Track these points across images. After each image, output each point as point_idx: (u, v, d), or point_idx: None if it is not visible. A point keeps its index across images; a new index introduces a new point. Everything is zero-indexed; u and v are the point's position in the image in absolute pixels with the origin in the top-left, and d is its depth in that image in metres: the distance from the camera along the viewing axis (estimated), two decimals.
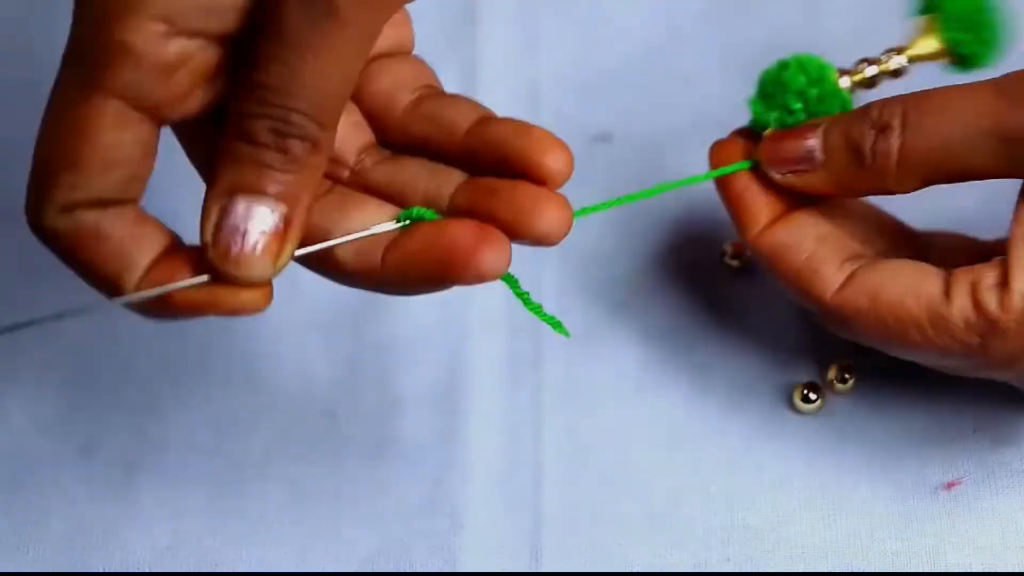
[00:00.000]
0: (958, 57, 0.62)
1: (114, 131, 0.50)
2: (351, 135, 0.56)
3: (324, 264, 0.53)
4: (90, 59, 0.50)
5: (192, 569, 0.60)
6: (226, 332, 0.66)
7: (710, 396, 0.63)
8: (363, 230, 0.52)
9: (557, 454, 0.62)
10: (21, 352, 0.66)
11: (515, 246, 0.67)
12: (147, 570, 0.60)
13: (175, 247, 0.52)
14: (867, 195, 0.58)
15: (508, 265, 0.52)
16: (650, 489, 0.61)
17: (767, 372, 0.64)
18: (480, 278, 0.51)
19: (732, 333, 0.65)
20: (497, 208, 0.52)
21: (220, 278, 0.50)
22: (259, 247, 0.50)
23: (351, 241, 0.52)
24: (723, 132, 0.68)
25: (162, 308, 0.51)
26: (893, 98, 0.56)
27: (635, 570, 0.60)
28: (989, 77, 0.55)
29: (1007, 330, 0.54)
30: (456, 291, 0.66)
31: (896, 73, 0.62)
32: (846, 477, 0.61)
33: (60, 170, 0.50)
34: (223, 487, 0.62)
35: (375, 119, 0.57)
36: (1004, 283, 0.54)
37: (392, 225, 0.53)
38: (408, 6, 0.55)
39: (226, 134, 0.50)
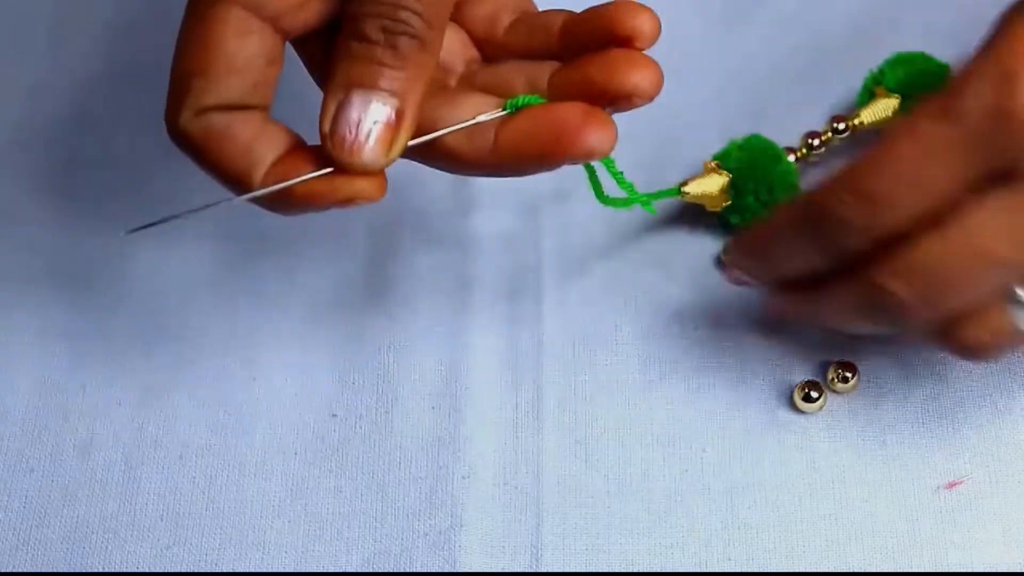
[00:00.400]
0: None
1: (237, 39, 0.54)
2: (458, 50, 0.60)
3: (438, 155, 0.57)
4: None
5: (192, 569, 0.60)
6: (226, 331, 0.66)
7: (710, 395, 0.63)
8: (472, 119, 0.56)
9: (557, 454, 0.62)
10: (21, 351, 0.66)
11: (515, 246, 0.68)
12: (147, 570, 0.60)
13: (298, 146, 0.56)
14: None
15: (614, 143, 0.55)
16: (650, 489, 0.61)
17: (767, 371, 0.64)
18: (588, 155, 0.55)
19: (732, 333, 0.65)
20: (591, 75, 0.56)
21: (338, 169, 0.54)
22: (372, 137, 0.54)
23: (462, 129, 0.56)
24: (722, 135, 0.68)
25: (286, 200, 0.55)
26: None
27: (635, 570, 0.60)
28: None
29: None
30: (455, 291, 0.66)
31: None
32: (847, 477, 0.61)
33: (191, 77, 0.55)
34: (223, 487, 0.62)
35: (479, 40, 0.60)
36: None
37: (500, 113, 0.56)
38: None
39: (342, 35, 0.55)
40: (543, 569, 0.60)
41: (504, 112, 0.56)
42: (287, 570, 0.60)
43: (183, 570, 0.60)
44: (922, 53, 0.68)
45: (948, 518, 0.60)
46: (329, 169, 0.54)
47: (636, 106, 0.56)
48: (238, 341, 0.65)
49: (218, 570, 0.60)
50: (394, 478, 0.62)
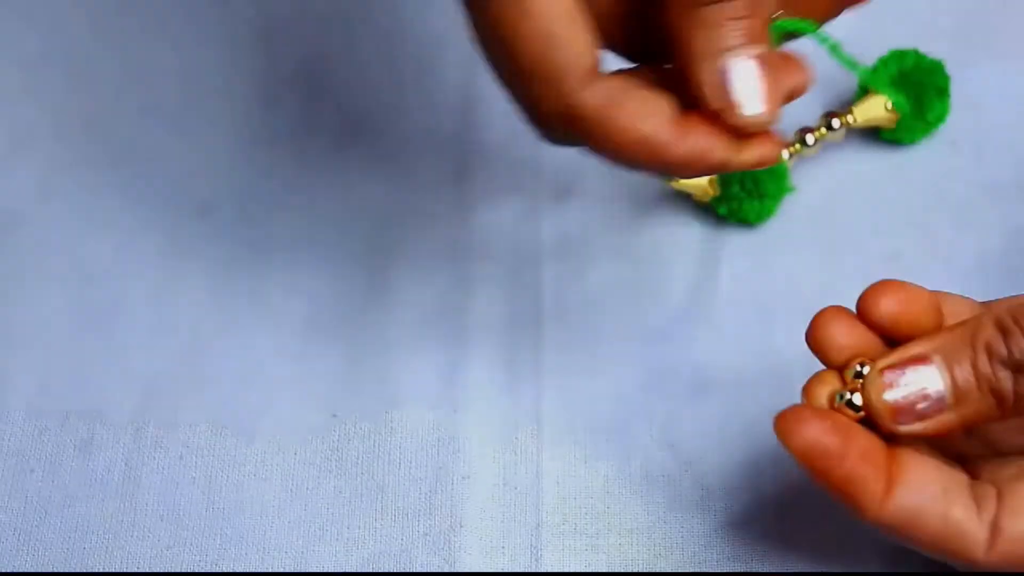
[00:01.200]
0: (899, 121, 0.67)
1: None
2: None
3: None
4: None
5: (192, 569, 0.60)
6: (226, 332, 0.66)
7: (710, 395, 0.63)
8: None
9: (557, 454, 0.62)
10: (21, 352, 0.66)
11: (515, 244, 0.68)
12: (147, 570, 0.60)
13: (682, 110, 0.53)
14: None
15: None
16: (649, 489, 0.61)
17: (768, 372, 0.64)
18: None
19: (732, 333, 0.65)
20: None
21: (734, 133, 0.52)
22: (760, 92, 0.52)
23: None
24: None
25: (694, 163, 0.53)
26: (1006, 325, 0.52)
27: (635, 570, 0.60)
28: None
29: None
30: (455, 291, 0.66)
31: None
32: None
33: (562, 46, 0.51)
34: (223, 487, 0.62)
35: None
36: None
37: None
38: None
39: (683, 6, 0.52)
40: (543, 569, 0.60)
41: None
42: (287, 570, 0.60)
43: (183, 570, 0.60)
44: (915, 51, 0.68)
45: None
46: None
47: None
48: (238, 341, 0.65)
49: (218, 570, 0.60)
50: (394, 478, 0.62)
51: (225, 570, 0.60)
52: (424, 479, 0.62)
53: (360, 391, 0.64)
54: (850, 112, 0.68)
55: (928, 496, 0.53)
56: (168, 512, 0.62)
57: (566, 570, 0.60)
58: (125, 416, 0.64)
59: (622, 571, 0.60)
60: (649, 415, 0.63)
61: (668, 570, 0.60)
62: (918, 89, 0.67)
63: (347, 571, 0.60)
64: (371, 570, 0.60)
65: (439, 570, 0.60)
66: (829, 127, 0.67)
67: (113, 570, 0.60)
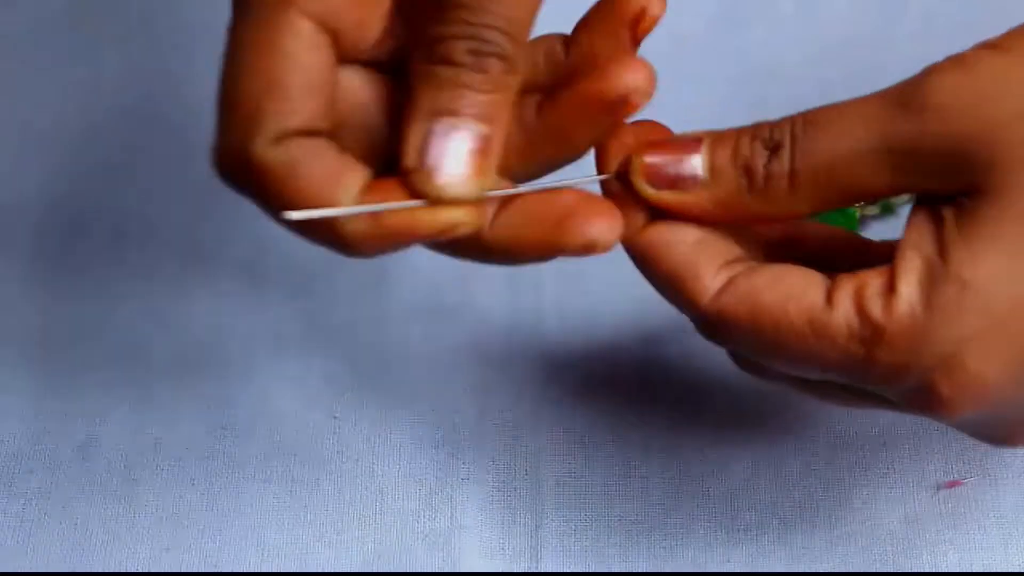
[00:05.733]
0: None
1: (311, 52, 0.49)
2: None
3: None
4: None
5: (192, 569, 0.60)
6: (226, 334, 0.66)
7: (710, 396, 0.63)
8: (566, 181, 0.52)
9: (556, 455, 0.62)
10: (22, 351, 0.66)
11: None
12: (148, 569, 0.60)
13: (380, 177, 0.50)
14: (748, 222, 0.54)
15: (619, 234, 0.51)
16: (649, 490, 0.61)
17: None
18: (589, 247, 0.51)
19: None
20: (581, 90, 0.52)
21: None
22: (464, 167, 0.49)
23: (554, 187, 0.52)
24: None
25: (378, 234, 0.50)
26: (783, 118, 0.52)
27: (635, 570, 0.60)
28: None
29: (893, 337, 0.49)
30: (454, 292, 0.66)
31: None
32: (846, 477, 0.61)
33: (263, 98, 0.49)
34: (223, 487, 0.62)
35: None
36: (890, 289, 0.50)
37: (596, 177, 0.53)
38: None
39: (420, 60, 0.50)
40: (543, 570, 0.60)
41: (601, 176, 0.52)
42: (287, 570, 0.60)
43: (183, 570, 0.60)
44: None
45: (948, 519, 0.60)
46: (421, 201, 0.49)
47: (634, 110, 0.52)
48: (238, 343, 0.65)
49: (218, 570, 0.60)
50: (394, 479, 0.62)
51: (225, 569, 0.60)
52: (424, 480, 0.62)
53: (360, 391, 0.64)
54: None
55: (678, 236, 0.52)
56: (168, 513, 0.62)
57: (565, 571, 0.60)
58: (125, 418, 0.64)
59: (622, 571, 0.60)
60: (649, 417, 0.63)
61: (668, 570, 0.60)
62: None
63: (347, 571, 0.60)
64: (371, 570, 0.60)
65: (439, 570, 0.60)
66: None
67: (113, 570, 0.60)
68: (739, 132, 0.53)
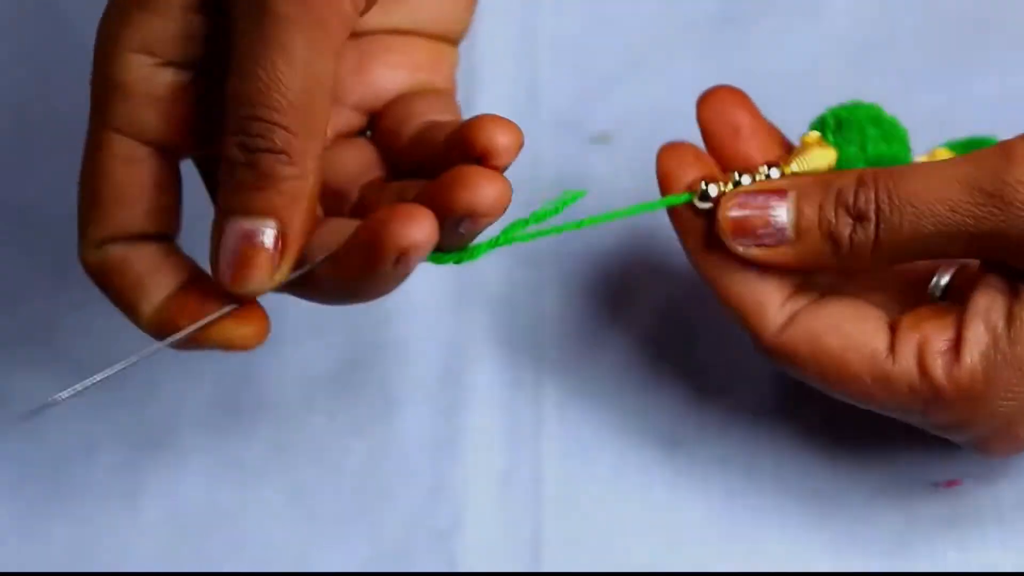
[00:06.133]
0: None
1: (124, 166, 0.53)
2: (356, 172, 0.57)
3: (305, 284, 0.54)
4: (95, 99, 0.53)
5: (192, 569, 0.60)
6: None
7: (710, 395, 0.63)
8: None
9: (557, 454, 0.62)
10: (21, 352, 0.65)
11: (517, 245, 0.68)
12: (147, 570, 0.60)
13: (195, 279, 0.53)
14: (827, 272, 0.57)
15: (434, 239, 0.50)
16: (650, 489, 0.61)
17: (767, 371, 0.64)
18: (408, 249, 0.50)
19: (732, 332, 0.65)
20: (437, 191, 0.52)
21: (230, 297, 0.52)
22: (253, 263, 0.51)
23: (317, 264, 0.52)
24: None
25: (184, 342, 0.53)
26: (865, 179, 0.54)
27: (635, 570, 0.60)
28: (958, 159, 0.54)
29: (952, 402, 0.53)
30: (455, 291, 0.66)
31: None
32: (845, 476, 0.61)
33: (87, 208, 0.53)
34: (223, 487, 0.62)
35: (387, 153, 0.58)
36: (955, 354, 0.53)
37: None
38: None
39: (221, 160, 0.52)
40: (543, 569, 0.60)
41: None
42: (287, 570, 0.60)
43: (183, 570, 0.60)
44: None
45: (947, 518, 0.60)
46: (201, 323, 0.52)
47: (483, 224, 0.53)
48: None
49: (218, 570, 0.60)
50: (394, 478, 0.62)
51: (226, 570, 0.60)
52: (424, 479, 0.62)
53: (361, 391, 0.64)
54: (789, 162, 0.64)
55: (743, 263, 0.55)
56: (169, 512, 0.62)
57: (566, 570, 0.60)
58: (126, 416, 0.64)
59: (622, 571, 0.60)
60: (649, 416, 0.63)
61: (668, 570, 0.60)
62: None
63: (347, 571, 0.60)
64: (371, 570, 0.60)
65: (439, 570, 0.60)
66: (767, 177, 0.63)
67: (113, 570, 0.60)
68: (824, 191, 0.55)
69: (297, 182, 0.51)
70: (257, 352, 0.65)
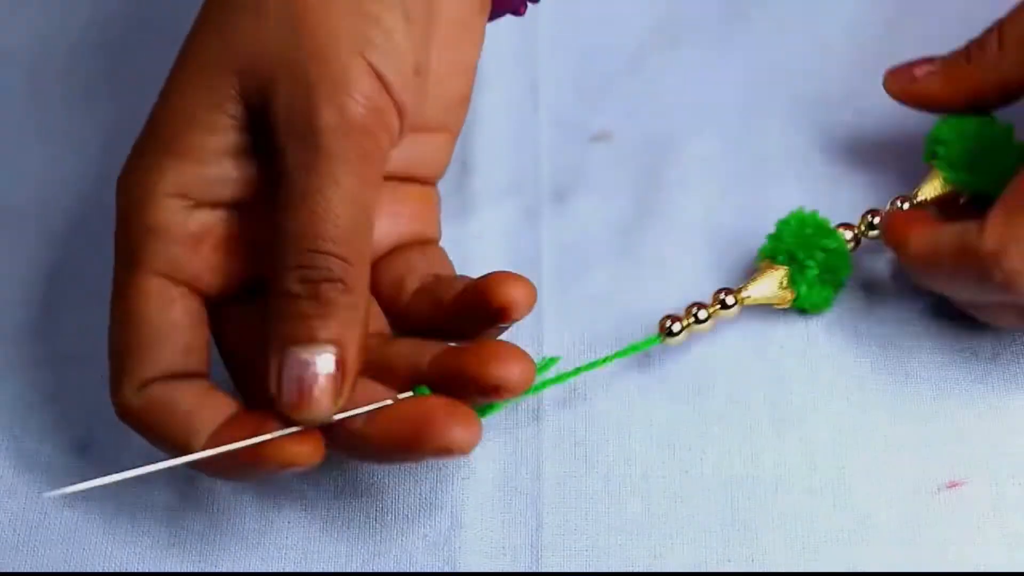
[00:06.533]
0: (967, 196, 0.64)
1: (159, 308, 0.56)
2: None
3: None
4: (126, 244, 0.56)
5: (192, 569, 0.60)
6: None
7: (710, 395, 0.63)
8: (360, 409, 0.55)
9: (557, 454, 0.62)
10: (20, 350, 0.65)
11: (515, 245, 0.68)
12: (148, 569, 0.60)
13: (241, 413, 0.56)
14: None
15: (477, 440, 0.54)
16: (650, 489, 0.61)
17: (768, 372, 0.64)
18: (448, 451, 0.54)
19: (732, 331, 0.65)
20: (464, 365, 0.56)
21: (293, 424, 0.54)
22: (317, 390, 0.54)
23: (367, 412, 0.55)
24: (722, 134, 0.69)
25: (228, 467, 0.55)
26: None
27: (635, 571, 0.60)
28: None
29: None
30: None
31: None
32: (847, 476, 0.61)
33: (123, 353, 0.56)
34: (223, 486, 0.62)
35: (388, 306, 0.60)
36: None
37: (384, 403, 0.56)
38: None
39: (270, 295, 0.54)
40: (543, 570, 0.60)
41: (404, 396, 0.56)
42: (287, 570, 0.60)
43: (183, 570, 0.60)
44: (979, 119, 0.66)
45: (948, 518, 0.60)
46: (262, 437, 0.54)
47: (505, 398, 0.56)
48: None
49: (218, 570, 0.60)
50: (394, 478, 0.62)
51: (225, 569, 0.60)
52: (424, 480, 0.62)
53: None
54: (917, 194, 0.65)
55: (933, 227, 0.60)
56: (168, 510, 0.62)
57: (566, 570, 0.60)
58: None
59: (622, 571, 0.60)
60: (649, 415, 0.63)
61: (668, 570, 0.60)
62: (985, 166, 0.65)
63: (347, 571, 0.60)
64: (371, 570, 0.60)
65: (439, 570, 0.60)
66: (723, 304, 0.64)
67: (113, 569, 0.60)
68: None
69: (354, 310, 0.54)
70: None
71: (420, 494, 0.62)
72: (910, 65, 0.65)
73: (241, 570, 0.60)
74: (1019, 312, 0.60)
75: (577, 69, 0.73)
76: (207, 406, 0.56)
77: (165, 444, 0.56)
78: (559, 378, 0.61)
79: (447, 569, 0.60)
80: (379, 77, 0.56)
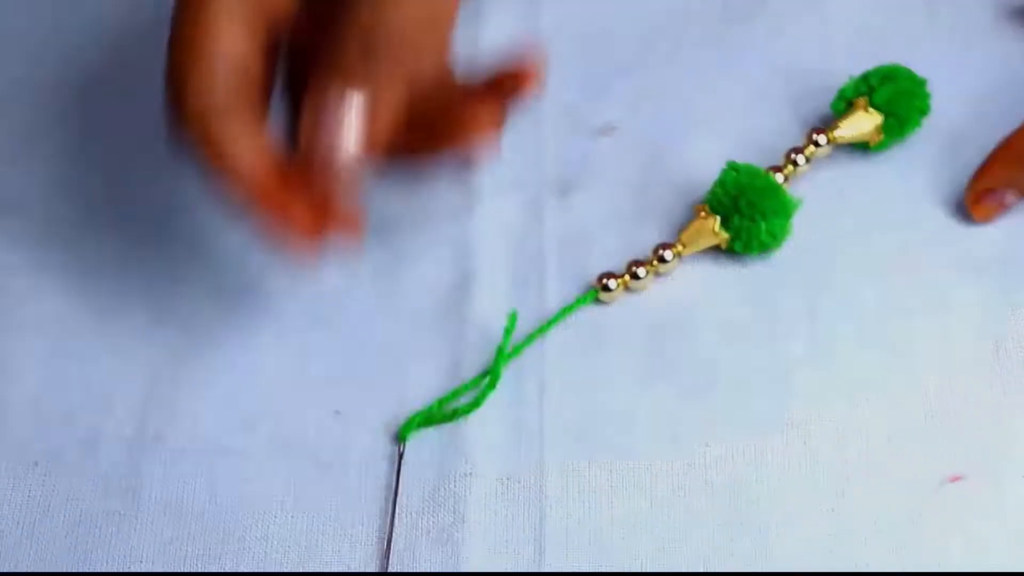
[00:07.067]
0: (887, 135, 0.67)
1: (230, 30, 0.56)
2: None
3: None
4: None
5: (194, 568, 0.60)
6: (229, 329, 0.66)
7: (711, 391, 0.63)
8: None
9: (559, 450, 0.62)
10: (26, 346, 0.66)
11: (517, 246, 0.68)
12: (149, 568, 0.60)
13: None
14: None
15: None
16: (653, 485, 0.61)
17: (771, 366, 0.64)
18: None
19: (733, 328, 0.65)
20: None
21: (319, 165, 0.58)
22: (353, 132, 0.57)
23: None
24: (725, 126, 0.69)
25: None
26: None
27: (638, 567, 0.60)
28: None
29: None
30: (457, 287, 0.66)
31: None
32: (848, 473, 0.61)
33: (187, 76, 0.56)
34: (226, 482, 0.62)
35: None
36: None
37: None
38: None
39: (323, 51, 0.57)
40: (546, 566, 0.60)
41: None
42: (290, 567, 0.60)
43: (185, 567, 0.60)
44: (904, 68, 0.68)
45: (950, 515, 0.60)
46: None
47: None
48: (242, 338, 0.65)
49: (220, 567, 0.60)
50: (395, 476, 0.62)
51: (226, 567, 0.60)
52: (427, 476, 0.62)
53: (363, 388, 0.64)
54: (835, 127, 0.68)
55: None
56: (171, 507, 0.62)
57: (569, 567, 0.60)
58: (129, 411, 0.64)
59: (622, 571, 0.60)
60: (652, 410, 0.63)
61: (671, 567, 0.60)
62: (907, 109, 0.68)
63: (348, 571, 0.60)
64: (373, 568, 0.60)
65: (442, 568, 0.60)
66: (816, 144, 0.67)
67: (115, 568, 0.60)
68: None
69: (396, 84, 0.59)
70: (257, 349, 0.65)
71: (423, 491, 0.62)
72: (995, 192, 0.66)
73: (243, 568, 0.60)
74: None
75: (582, 61, 0.72)
76: (249, 135, 0.57)
77: (227, 172, 0.57)
78: (516, 350, 0.64)
79: (450, 564, 0.60)
80: None
